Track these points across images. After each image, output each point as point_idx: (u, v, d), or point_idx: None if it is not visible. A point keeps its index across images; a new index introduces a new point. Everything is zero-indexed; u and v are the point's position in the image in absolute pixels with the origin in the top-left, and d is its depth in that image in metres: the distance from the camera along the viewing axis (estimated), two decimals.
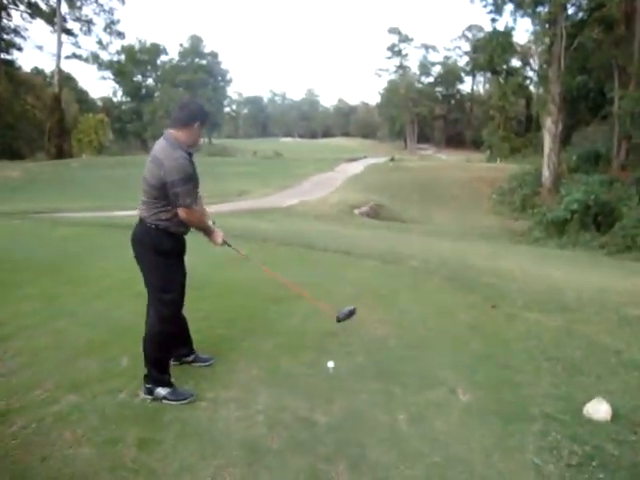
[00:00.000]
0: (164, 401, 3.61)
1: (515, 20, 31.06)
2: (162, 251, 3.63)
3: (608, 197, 22.48)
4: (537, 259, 12.29)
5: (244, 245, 9.40)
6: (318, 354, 4.45)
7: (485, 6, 30.65)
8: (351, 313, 4.28)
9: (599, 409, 3.51)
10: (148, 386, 3.66)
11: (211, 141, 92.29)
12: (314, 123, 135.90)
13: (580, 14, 30.50)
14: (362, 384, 3.98)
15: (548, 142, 29.54)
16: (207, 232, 3.82)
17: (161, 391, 3.63)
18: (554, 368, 4.34)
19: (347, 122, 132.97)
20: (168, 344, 3.79)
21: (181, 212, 3.54)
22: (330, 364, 4.12)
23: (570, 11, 29.54)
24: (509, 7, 29.94)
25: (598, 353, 4.73)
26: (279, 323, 5.28)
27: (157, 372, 3.67)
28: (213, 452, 3.07)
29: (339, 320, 4.20)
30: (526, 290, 6.94)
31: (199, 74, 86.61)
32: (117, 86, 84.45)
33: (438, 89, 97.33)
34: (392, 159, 55.65)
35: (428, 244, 12.81)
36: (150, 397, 3.64)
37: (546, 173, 29.83)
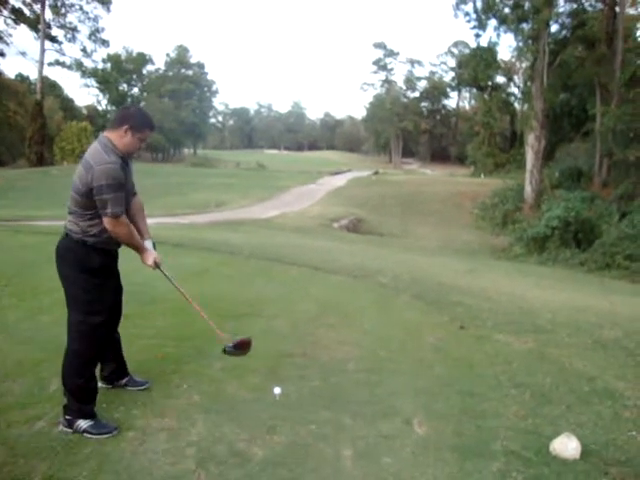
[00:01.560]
0: (85, 434, 3.22)
1: (499, 36, 31.09)
2: (88, 269, 3.28)
3: (589, 214, 22.46)
4: (515, 276, 12.06)
5: (210, 257, 9.18)
6: (268, 378, 4.11)
7: (469, 21, 30.74)
8: (242, 345, 3.75)
9: (567, 446, 3.16)
10: (68, 417, 3.26)
11: (195, 152, 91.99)
12: (300, 136, 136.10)
13: (563, 32, 30.70)
14: (311, 413, 3.64)
15: (531, 158, 29.57)
16: (137, 250, 3.47)
17: (82, 423, 3.24)
18: (521, 396, 4.02)
19: (333, 135, 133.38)
20: (91, 371, 3.41)
21: (107, 222, 3.20)
22: (277, 390, 3.76)
23: (553, 29, 29.77)
24: (493, 22, 30.05)
25: (570, 380, 4.42)
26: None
27: (78, 402, 3.29)
28: None
29: (225, 352, 3.69)
30: (498, 310, 6.65)
31: (185, 84, 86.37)
32: (101, 95, 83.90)
33: (424, 104, 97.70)
34: (376, 173, 55.65)
35: (402, 259, 12.53)
36: (70, 430, 3.25)
37: (528, 189, 29.84)
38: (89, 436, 3.20)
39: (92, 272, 3.29)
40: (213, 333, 3.94)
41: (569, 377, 4.49)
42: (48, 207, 22.68)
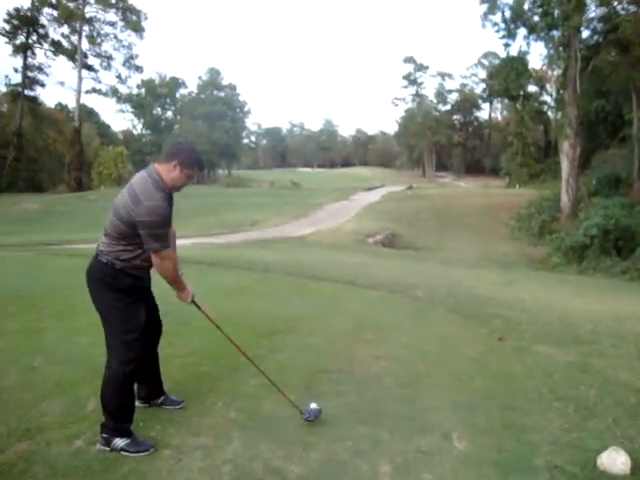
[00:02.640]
0: (122, 452, 3.23)
1: (529, 44, 30.89)
2: (118, 289, 3.31)
3: (628, 221, 21.84)
4: (553, 286, 11.78)
5: (244, 276, 9.22)
6: (305, 394, 4.05)
7: (497, 31, 30.50)
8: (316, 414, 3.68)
9: (616, 460, 3.03)
10: (105, 436, 3.28)
11: (230, 173, 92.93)
12: (333, 153, 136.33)
13: (595, 37, 30.22)
14: (348, 429, 3.58)
15: (566, 166, 29.03)
16: (178, 286, 3.49)
17: (119, 442, 3.25)
18: (565, 409, 3.89)
19: (365, 151, 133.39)
20: (130, 390, 3.44)
21: (153, 257, 3.27)
22: (313, 405, 3.72)
23: (584, 34, 29.32)
24: (522, 31, 29.79)
25: (615, 392, 4.26)
26: (267, 359, 4.88)
27: (115, 421, 3.31)
28: None
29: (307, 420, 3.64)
30: (537, 321, 6.48)
31: (217, 106, 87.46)
32: (136, 119, 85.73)
33: (455, 117, 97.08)
34: (410, 187, 55.34)
35: (438, 273, 12.37)
36: (107, 448, 3.26)
37: (564, 198, 29.26)
38: (126, 454, 3.21)
39: (122, 292, 3.32)
40: (249, 349, 3.94)
41: (614, 389, 4.33)
42: (86, 231, 23.15)
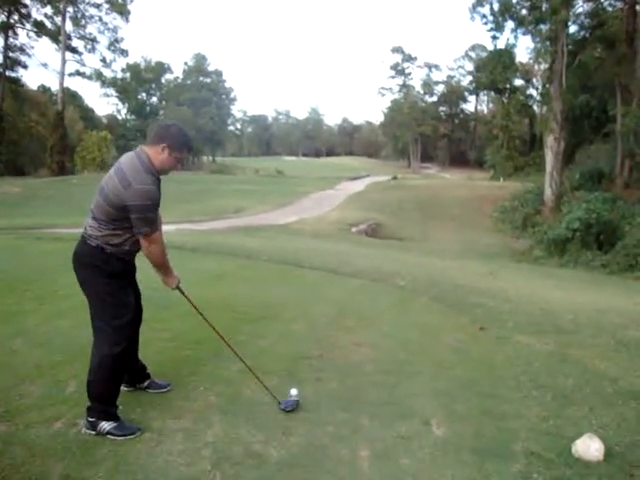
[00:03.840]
0: (109, 436, 3.21)
1: (516, 37, 30.93)
2: (109, 273, 3.28)
3: (610, 215, 22.08)
4: (535, 278, 11.91)
5: (227, 262, 9.19)
6: (285, 380, 4.06)
7: (486, 23, 30.51)
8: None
9: (590, 447, 3.09)
10: (91, 420, 3.25)
11: (214, 159, 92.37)
12: (318, 142, 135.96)
13: (582, 32, 30.38)
14: (328, 414, 3.60)
15: (550, 160, 29.23)
16: (165, 271, 3.47)
17: (106, 425, 3.23)
18: (543, 397, 3.95)
19: (351, 141, 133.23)
20: (120, 374, 3.43)
21: (142, 241, 3.24)
22: (293, 392, 3.72)
23: (571, 29, 29.46)
24: (510, 24, 29.83)
25: (592, 381, 4.33)
26: (249, 345, 4.88)
27: (104, 404, 3.29)
28: None
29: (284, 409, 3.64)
30: (518, 311, 6.55)
31: (203, 92, 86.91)
32: (121, 104, 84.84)
33: (442, 108, 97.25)
34: (394, 178, 55.42)
35: (421, 262, 12.43)
36: (93, 432, 3.24)
37: (548, 192, 29.49)
38: (113, 438, 3.20)
39: (112, 276, 3.29)
40: (231, 334, 3.94)
41: (591, 378, 4.40)
42: (69, 215, 22.88)
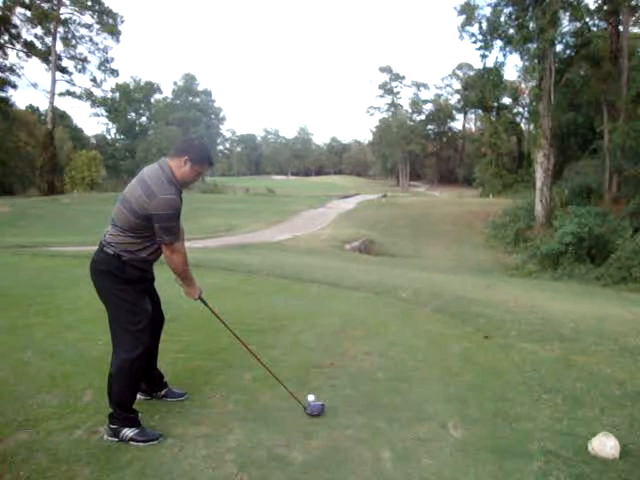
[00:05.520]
0: (131, 442, 3.25)
1: (505, 56, 31.29)
2: (125, 280, 3.33)
3: (602, 229, 22.36)
4: (531, 290, 12.01)
5: (228, 277, 9.22)
6: (300, 387, 4.09)
7: (475, 42, 30.97)
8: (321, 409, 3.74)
9: (606, 445, 3.16)
10: (113, 427, 3.29)
11: (203, 179, 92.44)
12: (307, 161, 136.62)
13: (567, 51, 30.95)
14: (346, 419, 3.65)
15: (540, 176, 29.61)
16: (187, 281, 3.52)
17: (128, 432, 3.27)
18: (554, 400, 4.01)
19: (340, 160, 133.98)
20: (138, 381, 3.48)
21: (164, 249, 3.32)
22: (310, 397, 3.77)
23: (558, 48, 29.96)
24: (499, 43, 30.33)
25: (600, 384, 4.40)
26: (260, 356, 4.92)
27: (125, 411, 3.33)
28: None
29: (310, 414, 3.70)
30: (520, 320, 6.62)
31: (192, 112, 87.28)
32: (110, 124, 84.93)
33: (430, 127, 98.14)
34: (384, 195, 55.76)
35: (421, 276, 12.51)
36: (115, 439, 3.27)
37: (538, 207, 29.83)
38: (135, 444, 3.23)
39: (129, 283, 3.34)
40: (241, 345, 3.99)
41: (599, 382, 4.47)
42: (61, 234, 22.88)
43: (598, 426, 3.53)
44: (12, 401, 3.79)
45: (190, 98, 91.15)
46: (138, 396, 3.62)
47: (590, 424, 3.59)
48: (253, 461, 3.07)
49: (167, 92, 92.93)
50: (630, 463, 3.09)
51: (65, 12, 49.69)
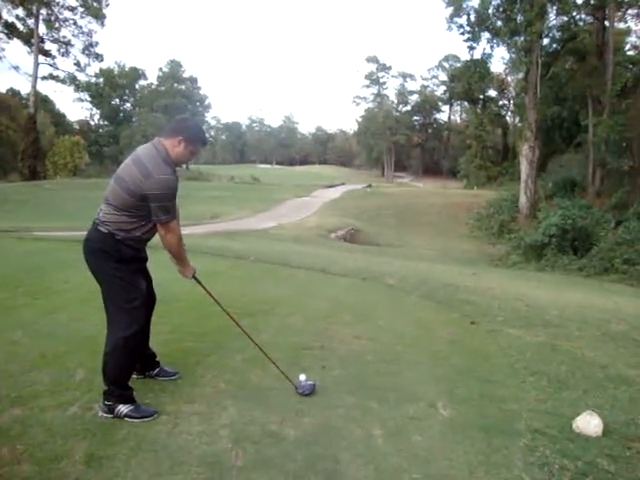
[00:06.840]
0: (126, 419, 3.29)
1: (492, 48, 31.43)
2: (119, 259, 3.34)
3: (585, 222, 22.68)
4: (517, 280, 12.19)
5: (218, 261, 9.25)
6: (290, 368, 4.14)
7: (462, 34, 31.09)
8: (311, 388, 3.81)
9: (590, 423, 3.28)
10: (109, 403, 3.32)
11: (188, 167, 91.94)
12: (292, 150, 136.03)
13: (554, 45, 31.17)
14: (337, 398, 3.72)
15: (525, 168, 29.89)
16: (181, 261, 3.56)
17: (123, 408, 3.31)
18: (539, 382, 4.12)
19: (325, 150, 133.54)
20: (134, 359, 3.51)
21: (160, 228, 3.34)
22: (302, 377, 3.83)
23: (544, 42, 30.16)
24: (486, 35, 30.47)
25: (584, 368, 4.52)
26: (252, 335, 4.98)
27: (120, 388, 3.36)
28: (170, 468, 2.77)
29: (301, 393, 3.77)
30: (506, 307, 6.74)
31: (177, 99, 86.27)
32: (94, 109, 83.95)
33: (415, 118, 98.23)
34: (369, 186, 55.80)
35: (405, 265, 12.62)
36: (110, 415, 3.30)
37: (523, 199, 30.13)
38: (130, 420, 3.27)
39: (123, 261, 3.36)
40: (231, 327, 4.03)
41: (582, 365, 4.59)
42: (44, 219, 22.68)
43: (582, 406, 3.64)
44: (4, 378, 3.80)
45: (175, 85, 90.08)
46: (132, 375, 3.65)
47: (574, 404, 3.70)
48: (247, 437, 3.13)
49: (152, 78, 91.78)
50: (612, 440, 3.21)
51: None
